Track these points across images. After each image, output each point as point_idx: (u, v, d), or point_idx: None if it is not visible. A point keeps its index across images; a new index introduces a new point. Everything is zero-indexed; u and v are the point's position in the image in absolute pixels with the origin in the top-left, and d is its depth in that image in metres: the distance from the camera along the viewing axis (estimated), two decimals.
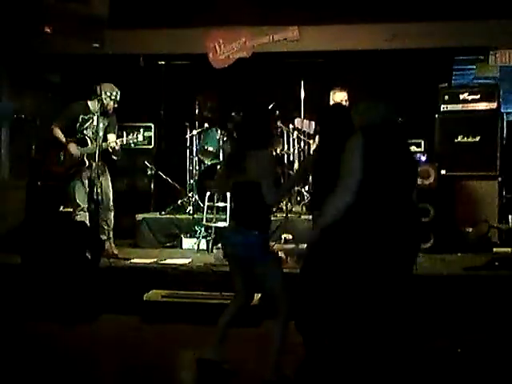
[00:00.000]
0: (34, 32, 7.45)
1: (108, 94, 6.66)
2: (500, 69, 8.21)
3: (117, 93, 6.72)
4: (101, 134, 6.70)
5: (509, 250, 6.30)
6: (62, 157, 6.78)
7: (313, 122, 7.70)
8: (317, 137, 6.35)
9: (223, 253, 4.46)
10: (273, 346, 3.89)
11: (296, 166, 7.81)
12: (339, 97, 7.01)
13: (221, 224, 7.02)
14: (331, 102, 6.92)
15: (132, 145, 6.94)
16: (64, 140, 6.72)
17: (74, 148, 6.70)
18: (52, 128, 6.79)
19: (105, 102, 6.66)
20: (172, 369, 4.73)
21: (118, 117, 6.96)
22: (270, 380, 3.84)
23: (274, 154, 7.25)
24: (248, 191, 3.98)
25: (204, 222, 7.17)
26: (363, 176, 3.45)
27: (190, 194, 7.85)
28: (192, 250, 7.17)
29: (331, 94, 7.15)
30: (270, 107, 7.19)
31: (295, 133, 7.87)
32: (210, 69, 8.66)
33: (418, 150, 7.47)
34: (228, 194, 6.87)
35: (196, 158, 8.02)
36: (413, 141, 7.45)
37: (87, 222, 6.63)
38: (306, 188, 7.67)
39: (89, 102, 6.81)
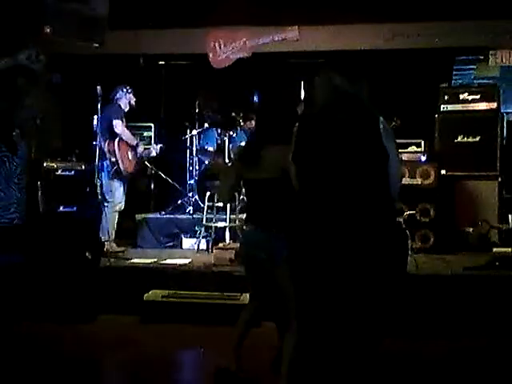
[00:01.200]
0: (34, 32, 7.45)
1: (129, 90, 7.09)
2: (500, 69, 8.22)
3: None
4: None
5: (509, 249, 6.30)
6: (131, 155, 7.03)
7: None
8: None
9: (243, 259, 3.96)
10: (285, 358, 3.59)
11: None
12: None
13: (221, 224, 7.02)
14: None
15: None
16: (134, 140, 7.03)
17: (142, 150, 7.10)
18: (120, 123, 6.93)
19: (127, 98, 7.08)
20: (172, 369, 4.72)
21: None
22: None
23: None
24: (268, 188, 3.71)
25: (204, 222, 7.17)
26: (298, 167, 3.19)
27: (189, 194, 7.85)
28: (192, 250, 7.17)
29: None
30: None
31: None
32: (210, 69, 8.66)
33: (418, 149, 7.47)
34: None
35: (196, 158, 8.02)
36: (413, 141, 7.45)
37: (107, 217, 6.80)
38: None
39: (119, 102, 7.07)
